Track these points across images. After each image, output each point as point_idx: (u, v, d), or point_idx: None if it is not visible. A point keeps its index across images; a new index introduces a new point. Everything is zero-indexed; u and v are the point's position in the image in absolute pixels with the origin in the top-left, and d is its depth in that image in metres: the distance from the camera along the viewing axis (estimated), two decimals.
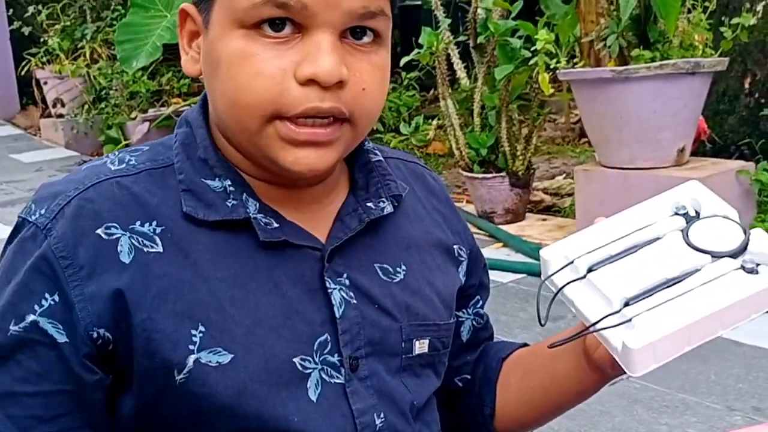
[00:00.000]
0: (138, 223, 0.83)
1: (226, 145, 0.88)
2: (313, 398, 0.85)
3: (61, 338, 0.79)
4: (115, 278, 0.80)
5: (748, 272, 0.82)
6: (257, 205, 0.86)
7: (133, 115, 7.04)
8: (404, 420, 0.92)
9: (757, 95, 4.37)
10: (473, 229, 4.57)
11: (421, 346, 0.94)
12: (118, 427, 0.85)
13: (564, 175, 5.41)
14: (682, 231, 0.86)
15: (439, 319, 0.97)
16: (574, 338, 0.87)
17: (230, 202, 0.86)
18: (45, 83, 8.09)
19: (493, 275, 3.89)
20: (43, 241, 0.80)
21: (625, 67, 3.61)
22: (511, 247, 4.26)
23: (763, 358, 2.81)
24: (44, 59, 7.78)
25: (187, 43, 0.89)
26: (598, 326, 0.81)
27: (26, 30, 7.88)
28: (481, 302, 1.10)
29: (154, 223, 0.83)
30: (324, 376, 0.86)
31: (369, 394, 0.88)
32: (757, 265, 0.82)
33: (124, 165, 0.87)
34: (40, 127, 8.78)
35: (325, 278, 0.88)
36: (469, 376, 1.09)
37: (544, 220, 4.67)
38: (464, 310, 1.08)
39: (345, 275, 0.89)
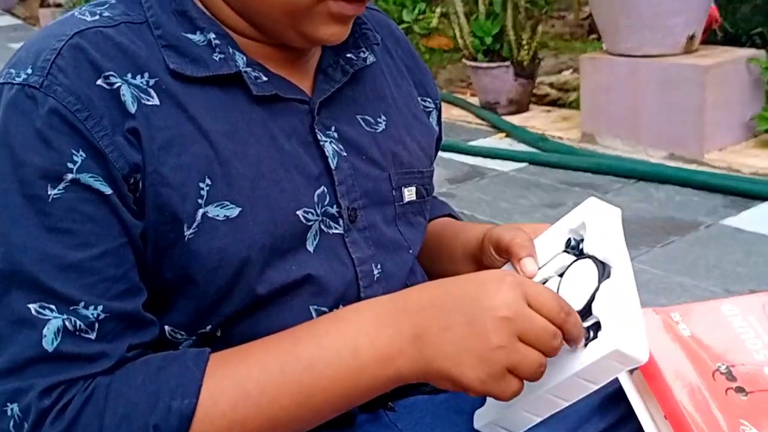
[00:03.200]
0: (129, 75, 0.77)
1: None
2: (311, 249, 0.84)
3: (107, 190, 0.74)
4: (128, 126, 0.75)
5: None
6: (245, 58, 0.83)
7: None
8: (399, 270, 0.92)
9: None
10: (476, 120, 4.56)
11: (409, 194, 0.95)
12: None
13: (571, 70, 5.31)
14: (560, 276, 0.84)
15: (422, 166, 0.98)
16: None
17: (217, 56, 0.82)
18: None
19: (495, 164, 3.87)
20: (45, 98, 0.74)
21: None
22: (514, 137, 4.21)
23: (764, 244, 2.78)
24: None
25: None
26: None
27: None
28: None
29: (146, 75, 0.78)
30: (323, 227, 0.85)
31: (367, 245, 0.88)
32: (593, 333, 0.76)
33: (98, 17, 0.80)
34: (38, 17, 8.66)
35: (316, 131, 0.86)
36: None
37: (549, 111, 4.60)
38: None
39: (333, 128, 0.88)
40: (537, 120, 4.43)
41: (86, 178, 0.73)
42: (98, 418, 0.70)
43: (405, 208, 0.94)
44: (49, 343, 0.71)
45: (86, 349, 0.72)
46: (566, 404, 0.78)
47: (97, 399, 0.71)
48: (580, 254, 0.85)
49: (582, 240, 0.87)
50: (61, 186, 0.73)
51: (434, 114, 1.05)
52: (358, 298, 0.86)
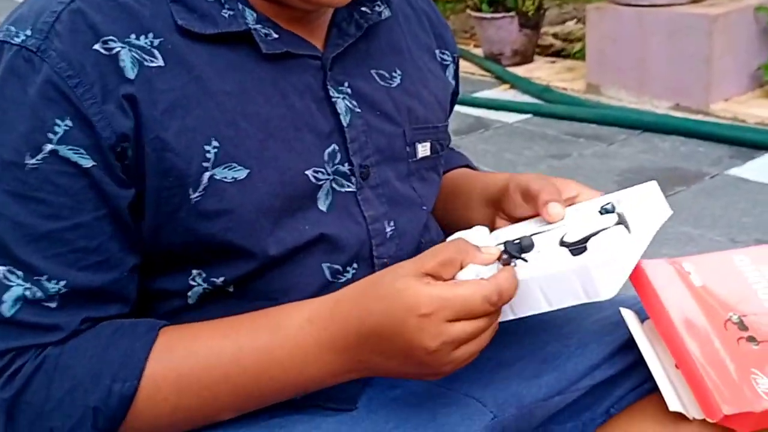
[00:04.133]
0: (133, 36, 0.76)
1: None
2: (323, 208, 0.83)
3: (87, 163, 0.73)
4: (124, 92, 0.74)
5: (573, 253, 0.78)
6: (255, 15, 0.81)
7: None
8: (413, 227, 0.91)
9: None
10: (480, 71, 4.53)
11: (423, 149, 0.94)
12: None
13: (575, 20, 5.26)
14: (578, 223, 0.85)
15: (437, 121, 0.97)
16: None
17: (226, 13, 0.80)
18: None
19: (499, 116, 3.85)
20: (42, 63, 0.73)
21: None
22: (519, 88, 4.18)
23: None
24: None
25: None
26: None
27: None
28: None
29: (150, 35, 0.76)
30: (335, 185, 0.84)
31: (380, 202, 0.88)
32: (578, 249, 0.78)
33: None
34: None
35: (329, 87, 0.85)
36: None
37: (553, 62, 4.57)
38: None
39: (346, 83, 0.87)
40: (541, 71, 4.40)
41: (65, 150, 0.73)
42: (46, 387, 0.73)
43: (419, 164, 0.93)
44: (7, 309, 0.73)
45: (42, 319, 0.74)
46: (512, 317, 0.79)
47: (46, 369, 0.73)
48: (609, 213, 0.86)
49: (611, 207, 0.87)
50: (39, 156, 0.73)
51: (451, 68, 1.03)
52: (371, 257, 0.86)
